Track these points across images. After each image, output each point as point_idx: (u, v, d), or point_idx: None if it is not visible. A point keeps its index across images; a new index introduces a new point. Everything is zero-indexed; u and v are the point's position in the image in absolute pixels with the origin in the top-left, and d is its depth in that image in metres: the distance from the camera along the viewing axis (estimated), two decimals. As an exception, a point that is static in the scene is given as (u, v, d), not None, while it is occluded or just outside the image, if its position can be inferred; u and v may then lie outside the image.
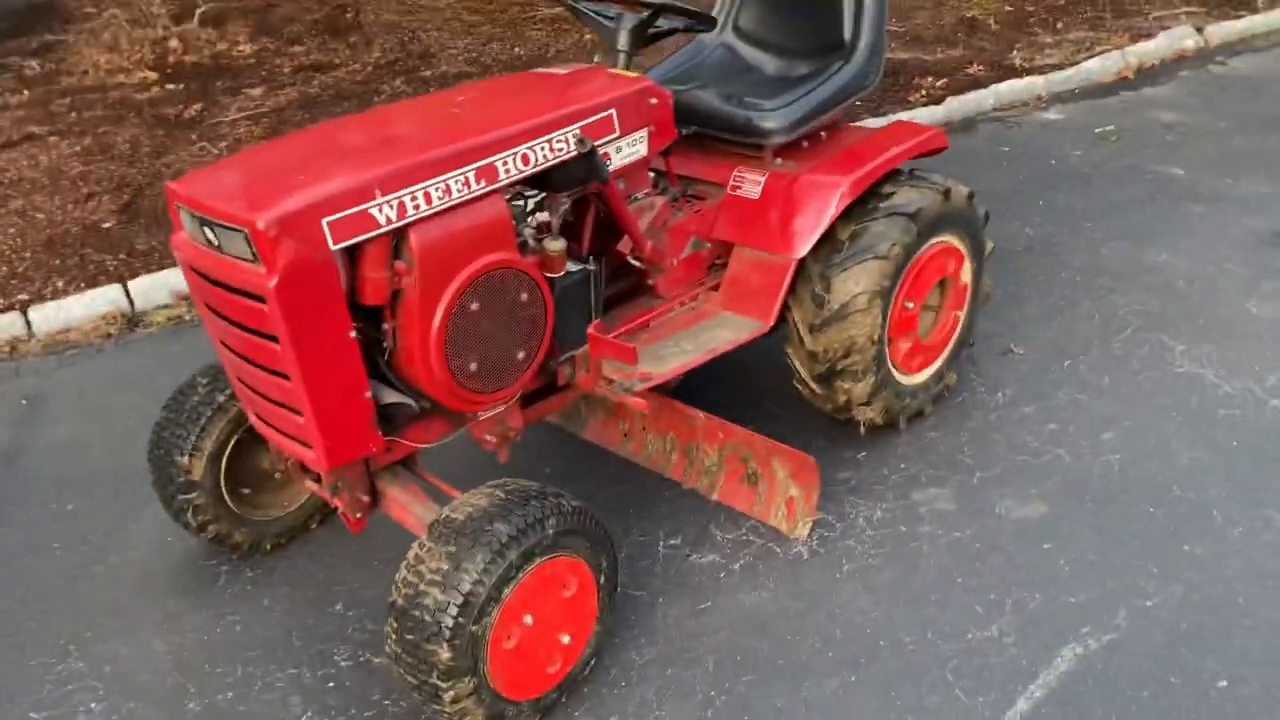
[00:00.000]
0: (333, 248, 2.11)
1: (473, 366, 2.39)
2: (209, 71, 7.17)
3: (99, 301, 4.30)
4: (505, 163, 2.35)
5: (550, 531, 2.22)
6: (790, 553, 2.82)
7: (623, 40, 2.84)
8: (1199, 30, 6.71)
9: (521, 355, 2.50)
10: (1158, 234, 4.32)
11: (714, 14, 3.38)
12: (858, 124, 3.88)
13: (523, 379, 2.55)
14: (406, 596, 2.15)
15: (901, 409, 3.18)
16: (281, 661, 2.58)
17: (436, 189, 2.23)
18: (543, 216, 2.58)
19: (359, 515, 2.49)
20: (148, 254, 4.69)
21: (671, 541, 2.88)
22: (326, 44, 7.67)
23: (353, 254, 2.20)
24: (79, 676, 2.57)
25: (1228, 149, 5.10)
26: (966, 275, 3.25)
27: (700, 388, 3.23)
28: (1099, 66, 6.22)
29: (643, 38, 2.85)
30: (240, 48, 7.67)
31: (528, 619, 2.23)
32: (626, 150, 2.66)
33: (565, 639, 2.34)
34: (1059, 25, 7.08)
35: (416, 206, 2.21)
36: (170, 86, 6.90)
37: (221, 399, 2.72)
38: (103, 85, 6.97)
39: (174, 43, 7.63)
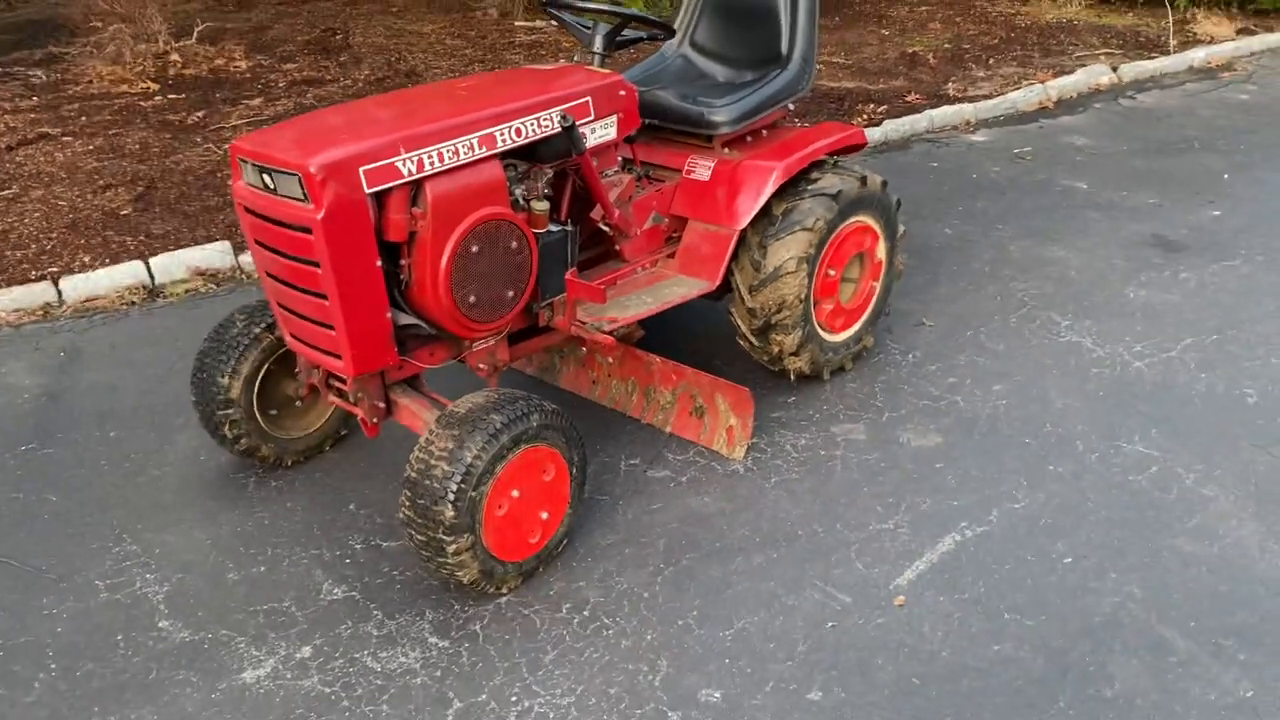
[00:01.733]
0: (366, 191, 2.68)
1: (472, 299, 2.96)
2: (208, 84, 7.72)
3: (122, 275, 4.82)
4: (502, 133, 2.93)
5: (534, 423, 2.78)
6: (728, 469, 3.39)
7: (597, 44, 3.47)
8: (1114, 69, 7.46)
9: (510, 294, 3.07)
10: (1058, 234, 4.98)
11: (674, 28, 4.02)
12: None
13: (510, 315, 3.11)
14: (419, 470, 2.70)
15: (825, 362, 3.78)
16: (305, 545, 3.11)
17: (448, 150, 2.81)
18: (529, 183, 3.15)
19: (375, 420, 3.03)
20: (164, 237, 5.22)
21: (631, 461, 3.45)
22: (318, 62, 8.25)
23: (380, 199, 2.77)
24: (134, 556, 3.08)
25: (1127, 168, 5.80)
26: (881, 253, 3.87)
27: (660, 346, 3.80)
28: (1022, 97, 6.94)
29: (613, 42, 3.47)
30: (236, 64, 8.23)
31: (515, 493, 2.79)
32: (600, 131, 3.25)
33: (544, 515, 2.89)
34: (991, 62, 7.82)
35: (431, 163, 2.78)
36: (172, 96, 7.43)
37: (257, 331, 3.26)
38: (108, 94, 7.49)
39: (174, 57, 8.18)
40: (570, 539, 3.05)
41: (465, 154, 2.85)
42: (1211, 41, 8.10)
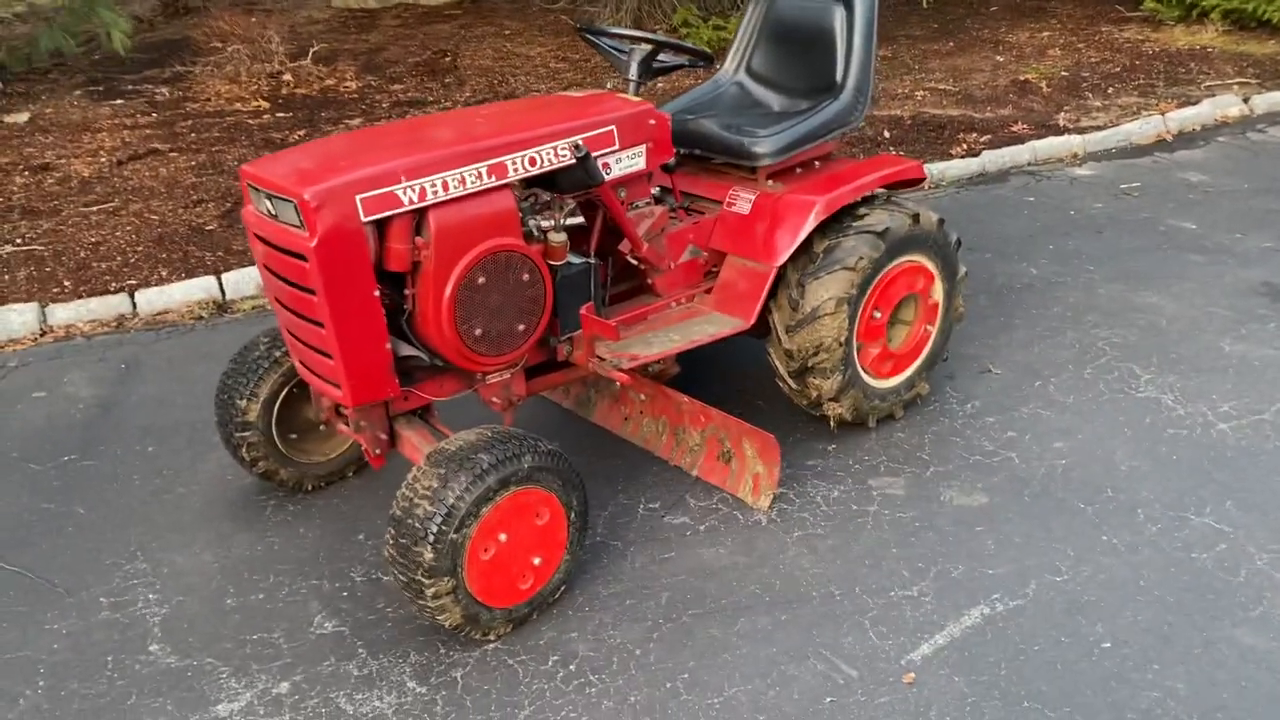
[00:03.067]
0: (363, 219, 2.62)
1: (478, 332, 2.87)
2: (316, 103, 7.92)
3: (195, 289, 4.93)
4: (514, 162, 2.84)
5: (525, 465, 2.67)
6: (750, 520, 3.20)
7: (632, 70, 3.35)
8: (1245, 100, 6.95)
9: (522, 327, 2.97)
10: (1154, 279, 4.62)
11: (729, 57, 3.88)
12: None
13: (522, 349, 3.01)
14: (403, 508, 2.61)
15: (871, 409, 3.56)
16: (307, 574, 3.06)
17: (453, 179, 2.73)
18: (549, 213, 3.05)
19: (378, 452, 2.97)
20: (242, 252, 5.32)
21: (650, 505, 3.30)
22: (424, 83, 8.38)
23: (381, 228, 2.71)
24: (142, 575, 3.09)
25: (1243, 208, 5.36)
26: (938, 295, 3.62)
27: (699, 384, 3.65)
28: (1138, 129, 6.52)
29: (649, 69, 3.35)
30: (347, 84, 8.43)
31: (502, 536, 2.67)
32: (626, 162, 3.13)
33: (536, 561, 2.77)
34: (1110, 91, 7.39)
35: (435, 192, 2.71)
36: (280, 115, 7.65)
37: (278, 354, 3.24)
38: (221, 111, 7.76)
39: (287, 77, 8.43)
40: (570, 585, 2.92)
41: (472, 183, 2.77)
42: (1362, 72, 7.48)
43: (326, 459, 3.44)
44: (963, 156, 6.24)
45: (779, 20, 3.79)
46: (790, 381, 3.44)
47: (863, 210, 3.40)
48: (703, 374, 3.72)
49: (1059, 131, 6.56)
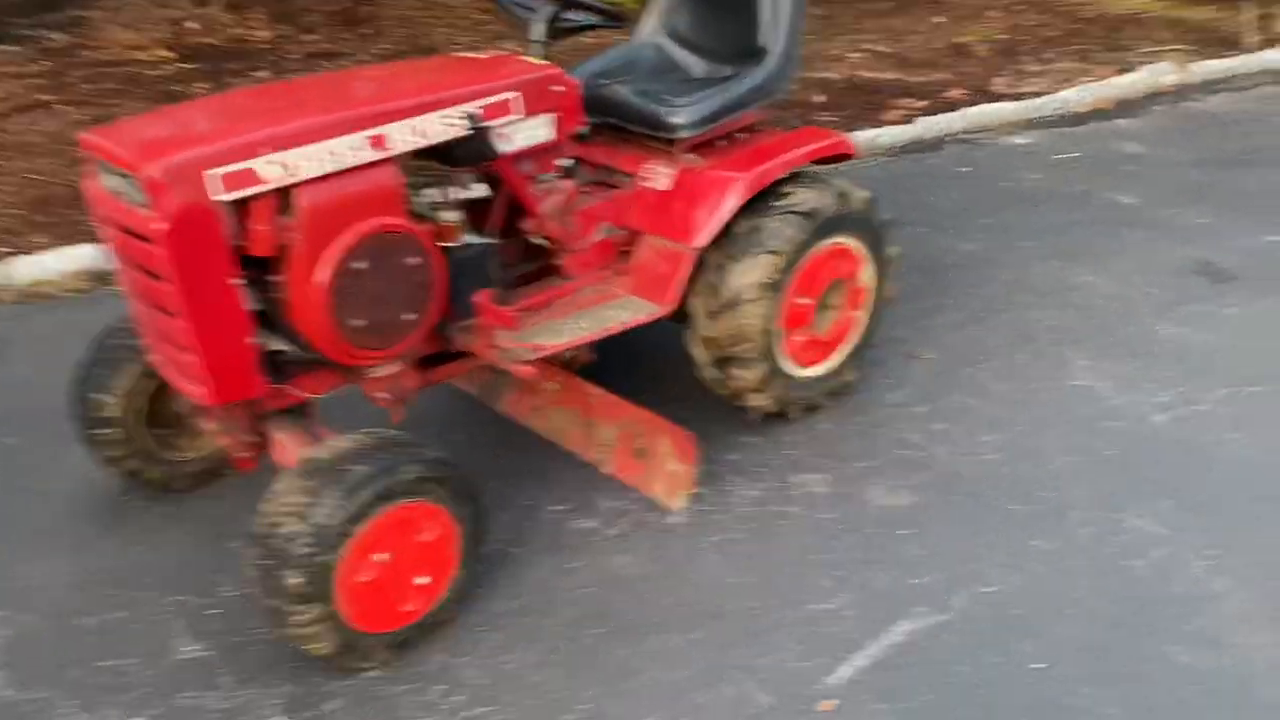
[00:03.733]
0: (216, 198, 2.30)
1: (359, 322, 2.57)
2: (222, 54, 7.44)
3: (74, 259, 4.54)
4: (398, 133, 2.53)
5: (407, 477, 2.39)
6: (663, 522, 2.97)
7: (536, 31, 3.04)
8: (1182, 67, 6.81)
9: (409, 316, 2.68)
10: (1090, 255, 4.45)
11: (646, 15, 3.59)
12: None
13: (411, 340, 2.72)
14: (265, 526, 2.33)
15: (794, 400, 3.33)
16: (173, 588, 2.77)
17: (325, 151, 2.42)
18: (440, 189, 2.75)
19: (246, 455, 2.67)
20: (128, 218, 4.92)
21: (557, 507, 3.05)
22: (338, 34, 7.92)
23: (241, 207, 2.39)
24: (-13, 588, 2.78)
25: (1182, 181, 5.21)
26: (866, 279, 3.40)
27: (612, 372, 3.38)
28: (1075, 96, 6.35)
29: (556, 30, 3.04)
30: (257, 33, 7.94)
31: (381, 556, 2.40)
32: (530, 133, 2.84)
33: (421, 581, 2.51)
34: (1048, 55, 7.21)
35: (303, 167, 2.40)
36: (183, 66, 7.16)
37: (140, 343, 2.91)
38: (117, 61, 7.24)
39: (193, 24, 7.91)
40: (463, 601, 2.66)
41: (349, 156, 2.46)
42: (1297, 40, 7.38)
43: (199, 455, 3.12)
44: (896, 123, 6.01)
45: (703, -22, 3.50)
46: (710, 371, 3.20)
47: (787, 188, 3.15)
48: (615, 361, 3.47)
49: (995, 98, 6.36)
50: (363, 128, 2.48)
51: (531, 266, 3.19)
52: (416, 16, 8.29)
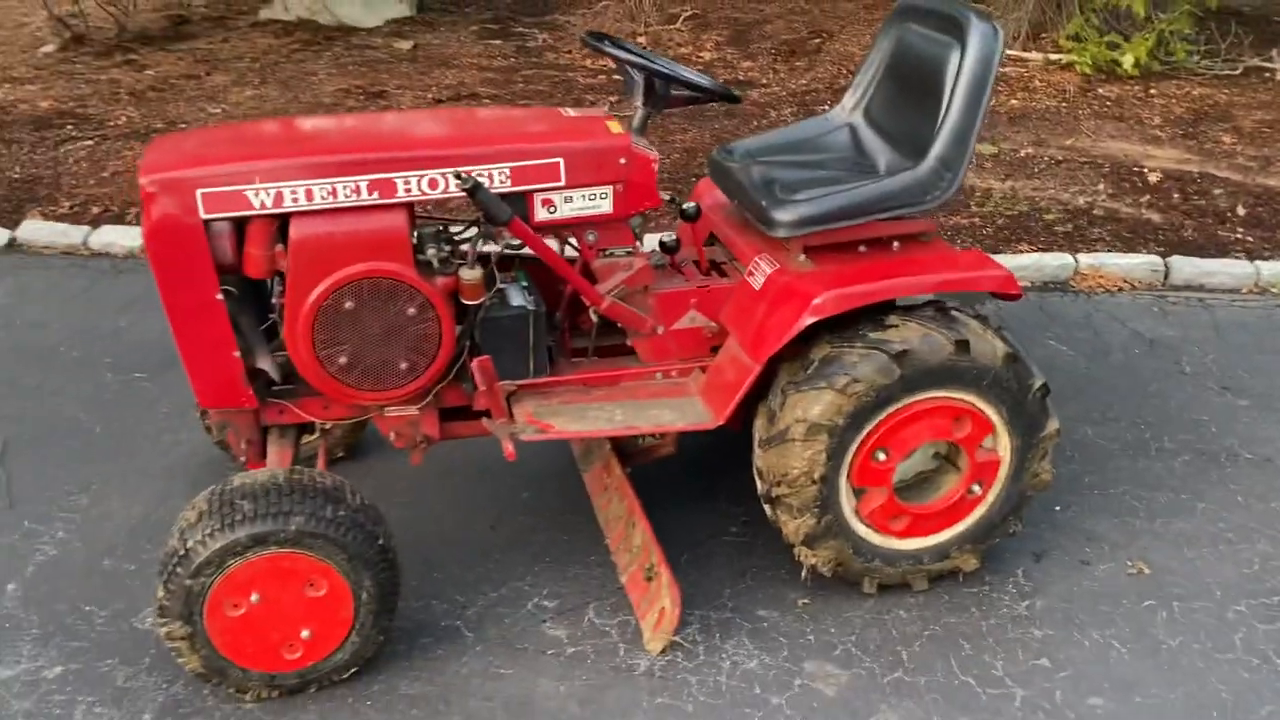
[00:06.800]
0: (203, 216, 2.39)
1: (342, 360, 2.55)
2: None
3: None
4: (406, 181, 2.46)
5: (291, 528, 2.32)
6: (630, 662, 2.61)
7: (638, 96, 2.77)
8: None
9: (405, 365, 2.60)
10: None
11: (849, 91, 3.14)
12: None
13: (412, 388, 2.64)
14: (170, 534, 2.40)
15: (867, 570, 2.75)
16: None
17: (321, 188, 2.42)
18: (459, 245, 2.63)
19: (242, 460, 2.77)
20: None
21: (545, 603, 2.80)
22: (773, 64, 7.91)
23: (241, 230, 2.46)
24: None
25: None
26: (998, 448, 2.69)
27: (694, 459, 3.04)
28: None
29: (659, 99, 2.75)
30: (702, 53, 8.18)
31: (254, 597, 2.36)
32: (580, 203, 2.61)
33: (305, 634, 2.43)
34: None
35: (295, 200, 2.41)
36: (615, 78, 7.59)
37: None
38: (565, 66, 7.85)
39: (642, 39, 8.33)
40: (374, 669, 2.55)
41: (345, 196, 2.44)
42: None
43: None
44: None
45: (904, 55, 2.97)
46: (764, 505, 2.75)
47: (892, 319, 2.58)
48: (717, 454, 3.11)
49: None
50: (365, 171, 2.44)
51: (611, 342, 2.95)
52: (855, 54, 8.04)
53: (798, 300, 2.58)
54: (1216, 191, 5.32)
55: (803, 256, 2.74)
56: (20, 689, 2.52)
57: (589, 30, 2.92)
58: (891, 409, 2.58)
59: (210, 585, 2.33)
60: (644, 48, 3.00)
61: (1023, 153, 5.84)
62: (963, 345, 2.55)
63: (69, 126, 6.09)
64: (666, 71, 2.69)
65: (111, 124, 6.13)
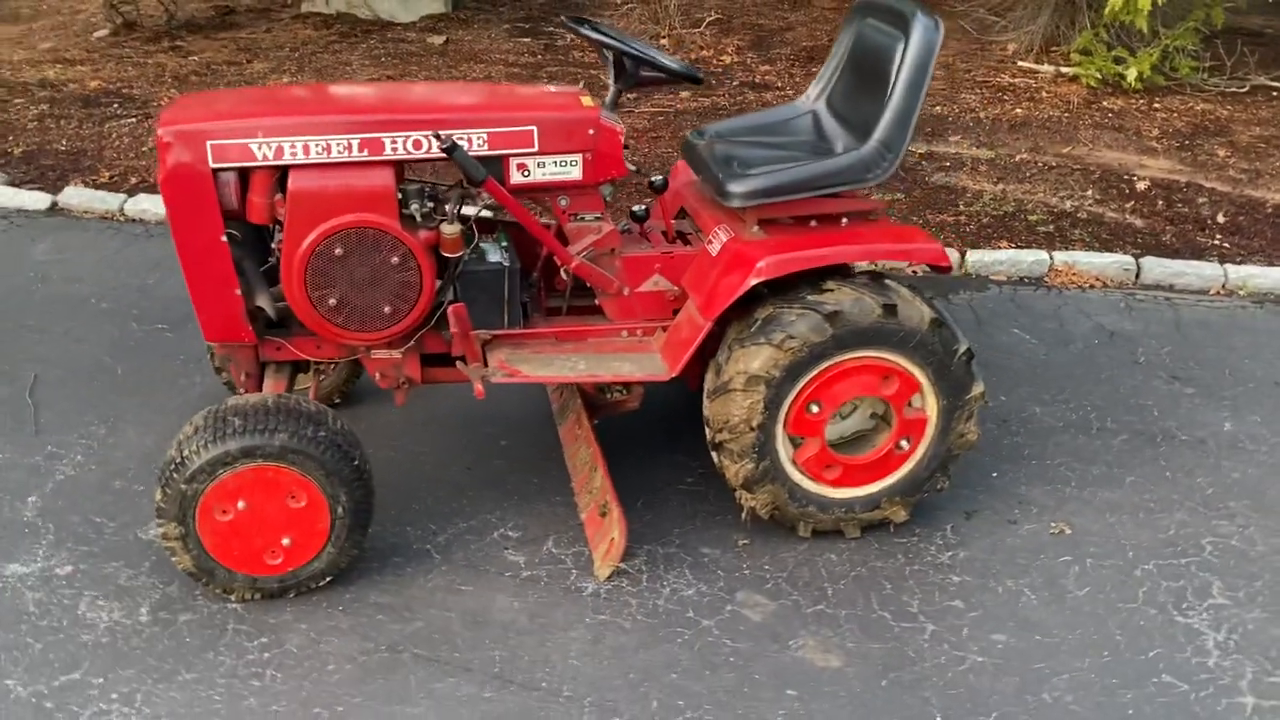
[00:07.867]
0: (211, 165, 2.70)
1: (331, 302, 2.84)
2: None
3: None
4: (394, 141, 2.75)
5: (276, 443, 2.62)
6: (579, 585, 2.88)
7: (611, 74, 3.05)
8: None
9: (388, 310, 2.88)
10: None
11: (815, 81, 3.40)
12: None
13: (394, 330, 2.92)
14: (169, 445, 2.70)
15: (802, 515, 3.00)
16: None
17: (316, 144, 2.72)
18: (440, 202, 2.91)
19: (242, 391, 3.07)
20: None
21: (511, 533, 3.07)
22: (789, 68, 8.15)
23: (245, 179, 2.77)
24: None
25: None
26: (928, 408, 2.93)
27: (661, 416, 3.29)
28: None
29: (630, 79, 3.02)
30: (723, 57, 8.44)
31: (241, 504, 2.66)
32: (552, 169, 2.89)
33: (286, 541, 2.72)
34: None
35: (294, 154, 2.71)
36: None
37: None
38: (580, 64, 8.16)
39: (664, 42, 8.60)
40: (345, 580, 2.83)
41: (338, 152, 2.74)
42: None
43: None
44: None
45: (861, 46, 3.23)
46: (712, 452, 3.01)
47: (830, 283, 2.84)
48: (676, 404, 3.36)
49: None
50: (357, 131, 2.73)
51: (583, 302, 3.22)
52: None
53: (745, 265, 2.84)
54: (1200, 200, 5.50)
55: (756, 228, 3.00)
56: (34, 582, 2.84)
57: (568, 14, 3.19)
58: (824, 365, 2.83)
59: (202, 491, 2.63)
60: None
61: (1018, 158, 6.04)
62: (890, 309, 2.80)
63: (115, 105, 6.48)
64: (634, 52, 2.97)
65: (155, 104, 6.49)
